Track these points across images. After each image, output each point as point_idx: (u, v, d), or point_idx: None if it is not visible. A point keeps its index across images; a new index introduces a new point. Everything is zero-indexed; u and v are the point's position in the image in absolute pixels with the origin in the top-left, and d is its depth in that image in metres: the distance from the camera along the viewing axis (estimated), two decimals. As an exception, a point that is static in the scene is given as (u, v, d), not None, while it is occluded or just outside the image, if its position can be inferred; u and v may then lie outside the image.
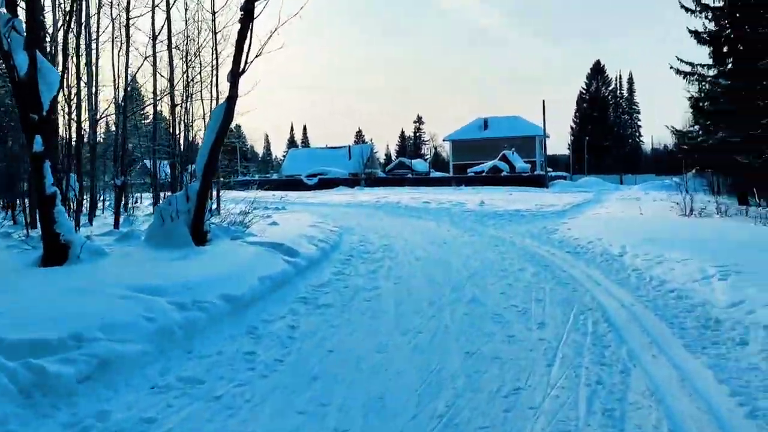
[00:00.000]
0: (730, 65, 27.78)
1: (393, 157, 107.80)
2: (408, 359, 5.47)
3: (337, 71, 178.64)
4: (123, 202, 21.12)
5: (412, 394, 4.65)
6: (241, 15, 9.41)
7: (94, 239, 10.36)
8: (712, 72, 29.03)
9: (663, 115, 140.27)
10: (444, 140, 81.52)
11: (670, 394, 4.54)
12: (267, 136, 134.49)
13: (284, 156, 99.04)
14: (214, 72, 18.14)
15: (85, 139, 17.57)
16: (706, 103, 29.75)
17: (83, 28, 15.89)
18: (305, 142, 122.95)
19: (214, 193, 20.38)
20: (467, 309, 7.35)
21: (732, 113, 24.13)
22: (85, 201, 17.26)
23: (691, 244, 10.91)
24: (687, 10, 28.82)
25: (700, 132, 31.13)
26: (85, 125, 15.51)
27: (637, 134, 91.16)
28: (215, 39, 18.06)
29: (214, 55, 18.04)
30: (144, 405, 4.48)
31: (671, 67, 29.48)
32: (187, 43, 16.94)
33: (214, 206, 19.71)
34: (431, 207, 25.19)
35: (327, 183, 55.38)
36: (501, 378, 4.97)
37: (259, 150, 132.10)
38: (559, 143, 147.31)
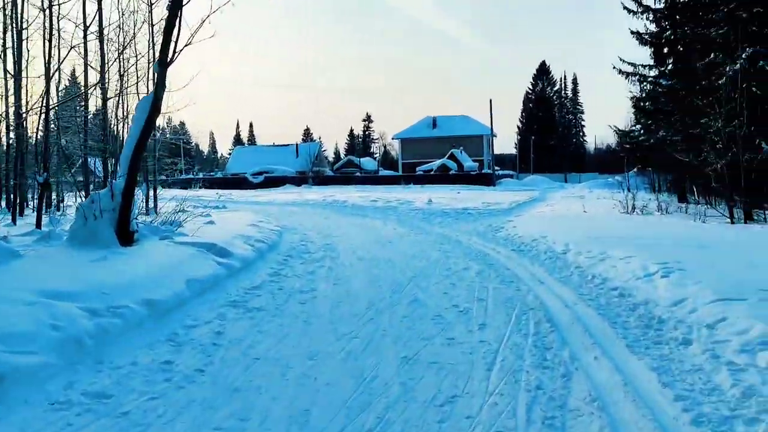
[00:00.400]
0: (670, 66, 28.44)
1: (342, 156, 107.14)
2: (340, 367, 5.11)
3: (288, 69, 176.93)
4: (56, 201, 20.12)
5: (341, 406, 4.28)
6: (170, 1, 8.84)
7: (12, 239, 9.63)
8: (653, 72, 29.70)
9: (606, 114, 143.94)
10: (393, 138, 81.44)
11: (614, 399, 4.31)
12: (212, 133, 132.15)
13: (230, 154, 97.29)
14: (151, 65, 17.37)
15: (12, 135, 16.58)
16: (647, 103, 30.42)
17: (8, 17, 14.95)
18: (252, 140, 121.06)
19: (151, 191, 19.59)
20: (407, 311, 7.03)
21: (672, 113, 24.65)
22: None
23: (633, 242, 10.90)
24: (629, 11, 29.38)
25: (642, 131, 31.81)
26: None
27: (581, 134, 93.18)
28: (152, 31, 17.29)
29: (150, 48, 17.28)
30: (40, 424, 4.00)
31: (614, 68, 30.05)
32: (120, 35, 16.12)
33: (151, 205, 18.96)
34: (378, 205, 24.89)
35: (273, 181, 54.48)
36: (437, 385, 4.65)
37: (205, 148, 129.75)
38: (506, 142, 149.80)
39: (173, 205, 13.24)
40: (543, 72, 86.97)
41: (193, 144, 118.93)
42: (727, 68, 18.60)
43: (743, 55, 18.35)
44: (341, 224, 18.20)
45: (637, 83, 30.32)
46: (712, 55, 20.46)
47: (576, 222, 16.00)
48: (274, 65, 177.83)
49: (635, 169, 37.90)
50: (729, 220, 17.32)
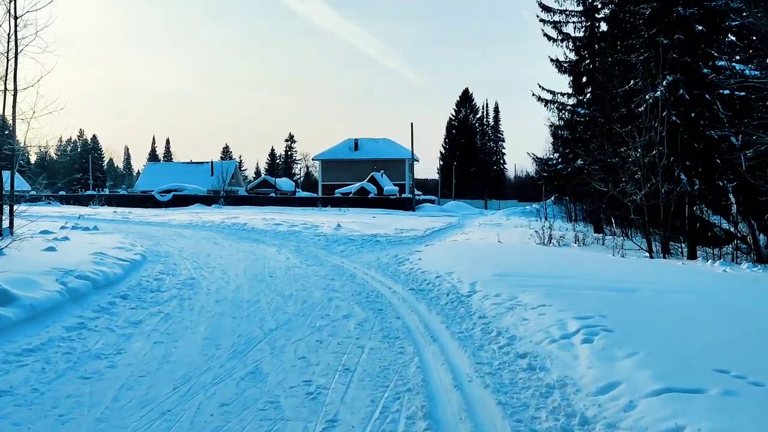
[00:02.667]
0: (588, 95, 27.83)
1: (263, 175, 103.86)
2: None
3: (210, 85, 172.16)
4: None
5: None
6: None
7: None
8: (571, 101, 29.09)
9: (526, 142, 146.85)
10: (313, 159, 79.14)
11: None
12: (127, 148, 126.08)
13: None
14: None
15: None
16: (565, 132, 29.72)
17: None
18: (168, 157, 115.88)
19: (6, 208, 16.66)
20: (233, 393, 4.89)
21: (590, 141, 23.78)
22: None
23: (549, 282, 9.24)
24: (549, 38, 28.76)
25: (560, 159, 31.08)
26: None
27: (502, 161, 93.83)
28: (14, 24, 14.42)
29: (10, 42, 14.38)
30: None
31: (533, 95, 29.31)
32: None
33: (6, 225, 16.06)
34: (281, 230, 22.64)
35: (182, 200, 51.11)
36: None
37: (120, 163, 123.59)
38: (429, 167, 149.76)
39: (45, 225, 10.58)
40: (466, 99, 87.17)
41: (106, 159, 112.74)
42: (647, 96, 17.63)
43: (664, 83, 17.43)
44: (227, 252, 15.87)
45: (556, 111, 29.65)
46: (632, 82, 19.58)
47: (489, 254, 14.32)
48: (196, 80, 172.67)
49: (552, 198, 37.33)
50: (647, 253, 16.19)
